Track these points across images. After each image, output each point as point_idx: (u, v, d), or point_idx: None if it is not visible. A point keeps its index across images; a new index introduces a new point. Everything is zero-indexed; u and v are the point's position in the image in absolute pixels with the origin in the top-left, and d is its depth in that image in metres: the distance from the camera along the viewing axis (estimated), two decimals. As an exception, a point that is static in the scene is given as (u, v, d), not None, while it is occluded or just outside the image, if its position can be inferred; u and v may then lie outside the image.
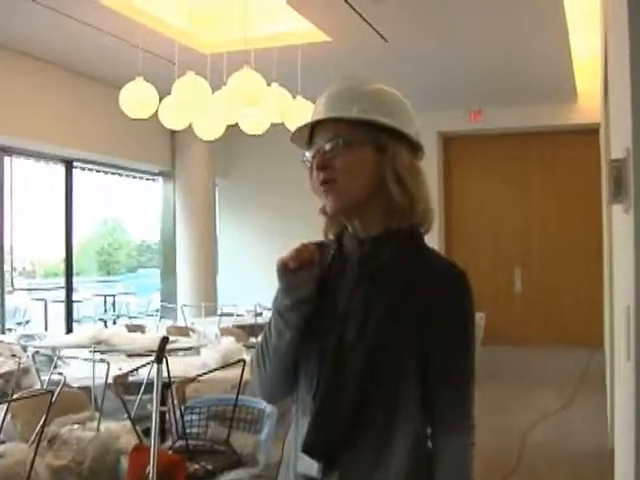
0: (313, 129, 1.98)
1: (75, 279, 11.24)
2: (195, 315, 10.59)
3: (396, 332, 1.87)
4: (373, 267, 1.93)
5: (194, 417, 4.80)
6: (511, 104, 12.07)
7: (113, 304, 15.52)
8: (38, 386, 5.39)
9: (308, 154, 1.97)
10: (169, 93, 7.11)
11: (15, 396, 4.44)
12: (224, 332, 8.17)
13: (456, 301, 1.92)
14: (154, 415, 3.47)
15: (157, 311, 11.90)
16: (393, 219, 1.94)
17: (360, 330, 1.88)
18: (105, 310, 15.24)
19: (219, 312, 10.36)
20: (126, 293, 16.79)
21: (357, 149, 1.90)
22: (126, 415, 4.58)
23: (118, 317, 14.12)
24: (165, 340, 3.76)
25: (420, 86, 10.77)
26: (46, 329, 12.02)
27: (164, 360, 4.12)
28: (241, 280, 13.06)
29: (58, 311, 11.65)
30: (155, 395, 3.47)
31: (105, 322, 13.96)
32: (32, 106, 9.17)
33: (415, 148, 1.99)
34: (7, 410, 3.90)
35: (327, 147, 1.91)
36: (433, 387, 1.90)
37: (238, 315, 9.94)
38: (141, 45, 7.40)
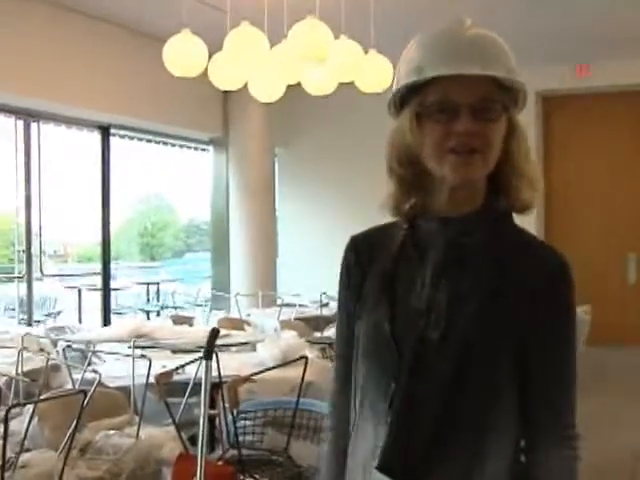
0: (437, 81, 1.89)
1: (113, 265, 11.38)
2: (251, 306, 10.65)
3: (490, 330, 1.86)
4: (461, 252, 1.91)
5: (248, 423, 4.84)
6: (626, 56, 11.83)
7: (157, 293, 15.70)
8: (69, 386, 5.48)
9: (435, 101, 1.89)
10: (220, 48, 7.11)
11: (43, 397, 4.51)
12: (284, 325, 8.22)
13: (560, 294, 1.91)
14: (202, 420, 3.50)
15: (207, 301, 12.00)
16: (498, 197, 1.94)
17: (446, 327, 1.86)
18: (148, 300, 15.44)
19: (279, 302, 10.40)
20: (172, 280, 16.97)
21: (503, 118, 1.90)
22: (170, 420, 4.63)
23: (162, 308, 14.29)
24: (215, 333, 3.78)
25: (514, 36, 10.49)
26: (80, 321, 12.22)
27: (214, 356, 4.16)
28: (304, 266, 13.08)
29: (93, 301, 11.83)
30: (203, 397, 3.51)
31: (148, 313, 14.14)
32: (61, 64, 9.28)
33: None
34: (33, 413, 3.97)
35: (493, 112, 1.87)
36: (532, 393, 1.90)
37: (300, 306, 9.98)
38: (187, -9, 7.42)
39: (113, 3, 9.21)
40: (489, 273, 1.88)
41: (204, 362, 3.59)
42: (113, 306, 12.25)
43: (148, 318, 13.45)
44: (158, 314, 13.90)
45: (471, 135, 1.84)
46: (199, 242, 19.11)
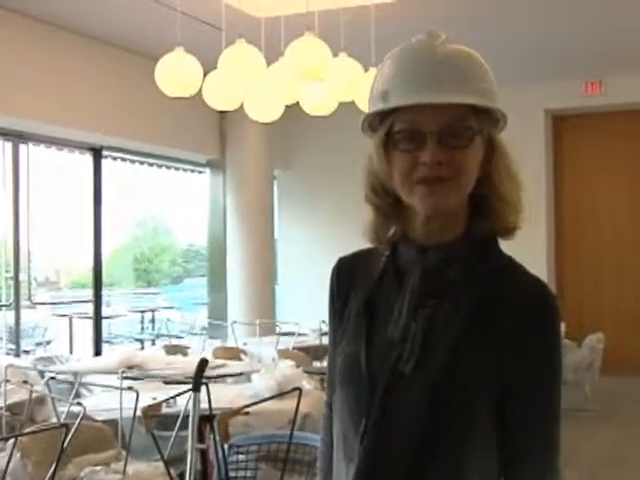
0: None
1: (108, 291, 11.38)
2: (249, 334, 10.63)
3: (467, 364, 1.82)
4: (440, 281, 1.89)
5: (241, 457, 4.80)
6: (638, 73, 11.85)
7: (152, 321, 15.68)
8: (55, 419, 5.46)
9: (400, 129, 1.86)
10: (215, 67, 7.14)
11: (24, 431, 4.50)
12: (283, 355, 8.21)
13: (544, 328, 1.87)
14: (189, 455, 3.50)
15: (204, 329, 12.00)
16: (479, 223, 1.91)
17: (420, 360, 1.83)
18: (142, 328, 15.41)
19: (278, 331, 10.39)
20: (168, 307, 16.95)
21: (475, 141, 1.85)
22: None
23: (158, 337, 14.27)
24: (204, 363, 3.79)
25: (523, 52, 10.66)
26: (71, 351, 12.20)
27: (204, 388, 4.15)
28: (304, 292, 13.06)
29: (86, 329, 11.82)
30: (191, 430, 3.51)
31: (142, 342, 14.11)
32: (51, 83, 9.32)
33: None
34: (14, 447, 3.95)
35: (462, 138, 1.82)
36: (512, 431, 1.86)
37: (300, 335, 9.95)
38: (180, 8, 7.45)
39: (106, 21, 9.25)
40: (468, 303, 1.85)
41: (192, 394, 3.59)
42: (106, 335, 12.25)
43: (142, 347, 13.42)
44: (153, 343, 13.88)
45: (439, 164, 1.81)
46: (198, 267, 19.13)
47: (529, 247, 12.52)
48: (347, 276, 2.06)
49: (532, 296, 1.88)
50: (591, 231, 12.90)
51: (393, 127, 1.87)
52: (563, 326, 9.29)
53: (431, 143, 1.81)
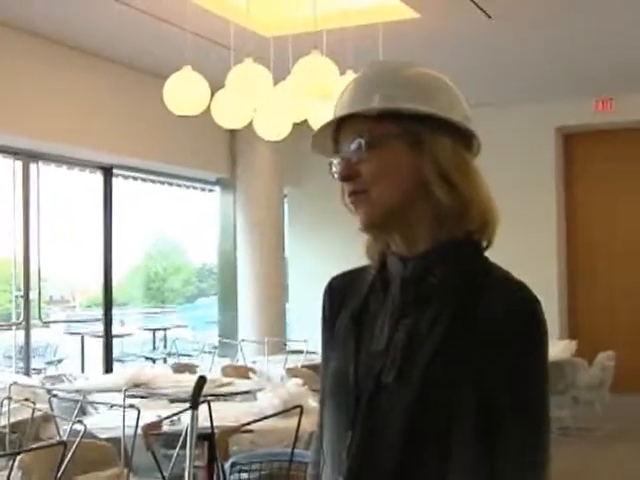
0: (340, 128, 1.93)
1: (122, 310, 11.39)
2: (259, 352, 10.62)
3: (447, 374, 1.80)
4: (418, 293, 1.88)
5: (244, 476, 4.78)
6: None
7: (164, 340, 15.69)
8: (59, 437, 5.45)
9: (336, 162, 1.92)
10: (223, 85, 7.15)
11: (22, 449, 4.49)
12: (291, 373, 8.19)
13: (524, 334, 1.82)
14: (187, 473, 3.46)
15: (214, 348, 11.99)
16: (443, 229, 1.88)
17: (402, 370, 1.83)
18: (154, 347, 15.42)
19: (287, 349, 10.38)
20: (179, 326, 16.96)
21: (386, 148, 1.85)
22: (165, 472, 4.58)
23: (170, 355, 14.27)
24: (202, 381, 3.75)
25: (532, 71, 10.65)
26: (82, 369, 12.24)
27: (205, 406, 4.12)
28: (315, 310, 13.02)
29: (99, 348, 11.86)
30: (188, 448, 3.47)
31: (154, 361, 14.11)
32: (62, 103, 9.35)
33: (464, 138, 1.91)
34: (12, 465, 3.94)
35: (348, 151, 1.87)
36: (495, 443, 1.80)
37: (309, 352, 9.92)
38: (189, 27, 7.47)
39: (115, 41, 9.29)
40: (448, 311, 1.83)
41: (191, 412, 3.57)
42: (118, 353, 12.23)
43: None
44: (165, 361, 13.88)
45: (346, 178, 1.88)
46: (212, 286, 19.18)
47: (541, 265, 12.57)
48: (338, 294, 2.06)
49: (511, 301, 1.83)
50: (604, 249, 12.83)
51: None
52: (574, 344, 9.14)
53: (343, 159, 1.88)
